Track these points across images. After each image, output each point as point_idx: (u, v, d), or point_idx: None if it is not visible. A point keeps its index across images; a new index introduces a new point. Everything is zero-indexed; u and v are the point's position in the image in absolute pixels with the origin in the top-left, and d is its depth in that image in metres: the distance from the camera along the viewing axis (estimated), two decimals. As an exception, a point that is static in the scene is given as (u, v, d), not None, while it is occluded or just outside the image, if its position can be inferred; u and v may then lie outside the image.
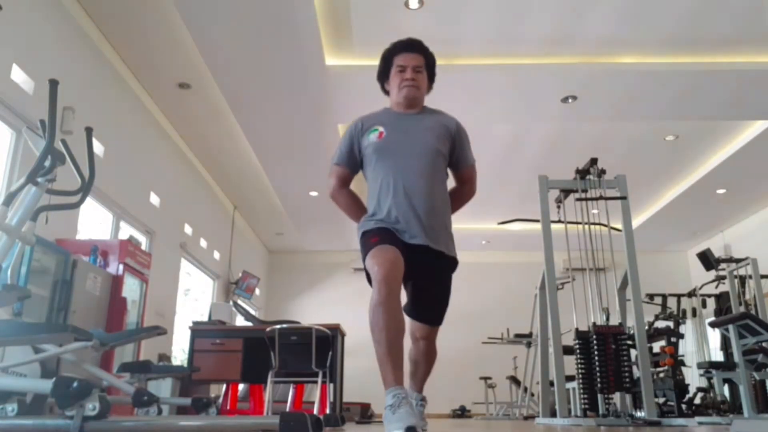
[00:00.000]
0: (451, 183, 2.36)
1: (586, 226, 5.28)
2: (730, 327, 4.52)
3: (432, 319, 2.22)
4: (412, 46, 2.32)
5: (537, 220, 5.23)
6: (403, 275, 1.99)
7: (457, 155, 2.31)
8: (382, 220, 2.12)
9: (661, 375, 5.87)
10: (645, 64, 5.55)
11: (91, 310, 4.51)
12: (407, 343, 2.03)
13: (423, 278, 2.17)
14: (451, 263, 2.22)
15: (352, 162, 2.29)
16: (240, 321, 6.91)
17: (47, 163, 2.48)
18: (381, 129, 2.22)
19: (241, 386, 6.25)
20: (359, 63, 5.56)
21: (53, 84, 2.43)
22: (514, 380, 9.07)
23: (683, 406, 5.80)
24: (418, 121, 2.26)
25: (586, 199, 5.09)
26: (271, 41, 4.97)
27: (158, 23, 5.16)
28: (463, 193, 2.40)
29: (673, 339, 6.20)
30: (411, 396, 2.24)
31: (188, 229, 7.70)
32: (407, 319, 2.10)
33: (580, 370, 4.62)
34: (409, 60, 2.28)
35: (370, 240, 2.07)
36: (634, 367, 4.76)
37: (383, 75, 2.37)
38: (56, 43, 4.68)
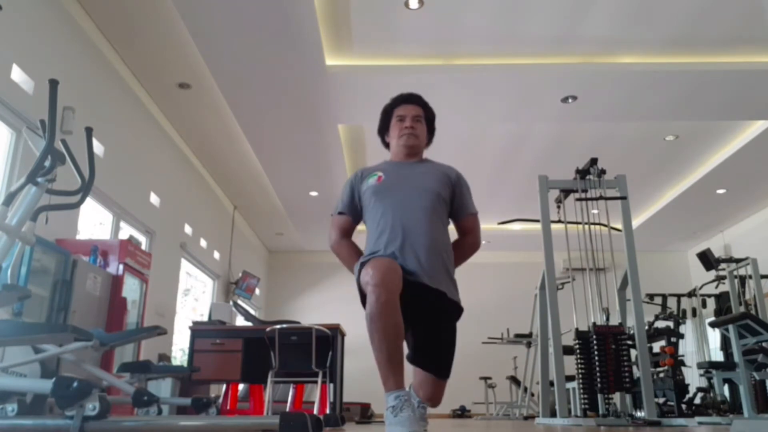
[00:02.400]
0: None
1: (586, 226, 5.28)
2: (730, 327, 4.52)
3: (435, 367, 2.05)
4: (412, 98, 2.35)
5: (537, 220, 5.23)
6: (402, 319, 1.86)
7: (458, 203, 2.27)
8: (380, 255, 2.06)
9: (661, 375, 5.87)
10: (645, 64, 5.55)
11: (91, 310, 4.51)
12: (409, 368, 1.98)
13: (422, 319, 2.05)
14: (454, 307, 2.12)
15: (353, 210, 2.27)
16: (240, 321, 6.91)
17: (47, 163, 2.48)
18: (380, 174, 2.23)
19: (241, 386, 6.25)
20: (359, 63, 5.56)
21: (53, 84, 2.43)
22: (514, 380, 9.07)
23: (683, 406, 5.80)
24: (417, 168, 2.26)
25: (586, 199, 5.10)
26: (271, 41, 4.98)
27: (158, 23, 5.16)
28: (464, 244, 2.31)
29: (673, 339, 6.21)
30: (413, 397, 2.22)
31: (188, 229, 7.70)
32: (409, 367, 1.99)
33: (580, 370, 4.62)
34: (409, 110, 2.31)
35: (366, 263, 1.99)
36: (634, 367, 4.76)
37: (383, 129, 2.39)
38: (56, 43, 4.68)
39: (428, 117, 2.37)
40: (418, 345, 2.08)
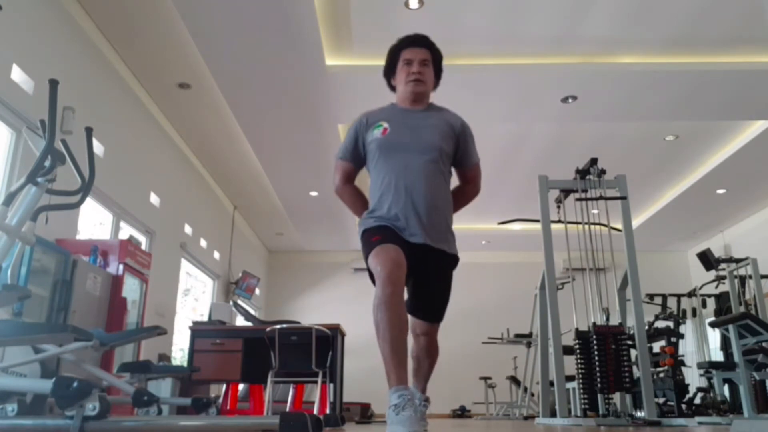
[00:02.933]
0: (454, 181, 2.34)
1: (586, 226, 5.28)
2: (730, 327, 4.52)
3: (432, 316, 2.20)
4: (419, 40, 2.30)
5: (537, 220, 5.23)
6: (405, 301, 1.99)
7: (461, 153, 2.29)
8: (382, 217, 2.12)
9: (661, 375, 5.87)
10: (645, 64, 5.55)
11: (91, 310, 4.51)
12: (410, 340, 2.03)
13: (423, 276, 2.16)
14: (452, 261, 2.21)
15: (357, 157, 2.28)
16: (240, 321, 6.91)
17: (47, 163, 2.48)
18: (385, 125, 2.21)
19: (241, 386, 6.24)
20: (359, 63, 5.56)
21: (53, 84, 2.43)
22: (514, 380, 9.07)
23: (683, 406, 5.80)
24: (422, 119, 2.24)
25: (586, 199, 5.09)
26: (271, 41, 4.98)
27: (158, 23, 5.16)
28: (466, 192, 2.38)
29: (673, 339, 6.20)
30: (415, 396, 2.23)
31: (188, 229, 7.70)
32: (408, 316, 2.10)
33: (580, 370, 4.62)
34: (416, 54, 2.26)
35: (371, 239, 2.06)
36: (634, 367, 4.76)
37: (390, 70, 2.35)
38: (56, 43, 4.68)
39: (435, 59, 2.33)
40: (417, 299, 2.20)
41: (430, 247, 2.10)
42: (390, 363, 1.85)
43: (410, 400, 1.80)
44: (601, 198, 5.03)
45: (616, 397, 4.76)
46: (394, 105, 2.32)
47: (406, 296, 2.08)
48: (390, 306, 1.88)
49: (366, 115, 2.29)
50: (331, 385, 4.75)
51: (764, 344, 4.59)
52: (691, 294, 8.24)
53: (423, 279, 2.17)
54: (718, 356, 8.07)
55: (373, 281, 1.99)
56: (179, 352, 7.78)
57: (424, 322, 2.21)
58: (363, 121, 2.27)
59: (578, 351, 4.65)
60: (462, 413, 10.10)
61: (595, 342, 4.55)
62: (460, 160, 2.30)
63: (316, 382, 4.47)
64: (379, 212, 2.13)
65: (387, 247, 2.00)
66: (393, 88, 2.37)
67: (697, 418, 5.36)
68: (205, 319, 6.31)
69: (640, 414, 5.26)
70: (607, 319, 4.84)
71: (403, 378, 1.85)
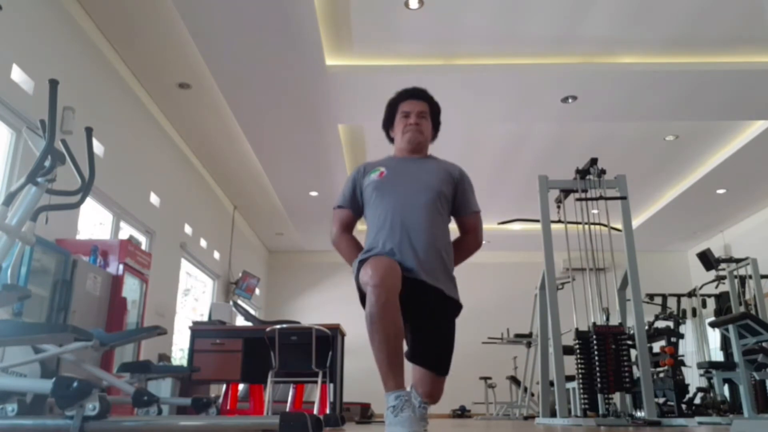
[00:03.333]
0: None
1: (586, 226, 5.28)
2: (730, 327, 4.52)
3: (434, 364, 2.03)
4: (417, 93, 2.32)
5: (537, 220, 5.23)
6: (401, 314, 1.86)
7: (460, 201, 2.25)
8: (378, 253, 2.06)
9: (661, 375, 5.87)
10: (645, 64, 5.55)
11: (91, 310, 4.51)
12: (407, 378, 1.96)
13: (421, 318, 2.04)
14: (452, 306, 2.11)
15: (355, 205, 2.26)
16: (240, 321, 6.91)
17: (47, 163, 2.48)
18: (383, 169, 2.21)
19: (241, 386, 6.24)
20: (359, 63, 5.56)
21: (53, 84, 2.43)
22: (514, 380, 9.08)
23: (683, 406, 5.80)
24: (421, 164, 2.24)
25: (586, 199, 5.10)
26: (271, 41, 4.98)
27: (158, 23, 5.16)
28: (466, 243, 2.28)
29: (673, 339, 6.21)
30: (414, 397, 2.21)
31: (188, 229, 7.70)
32: (407, 365, 1.97)
33: (580, 370, 4.62)
34: (414, 106, 2.28)
35: (365, 262, 1.99)
36: (634, 367, 4.76)
37: (388, 122, 2.37)
38: (56, 43, 4.68)
39: (433, 111, 2.35)
40: (417, 343, 2.07)
41: (427, 284, 2.02)
42: (386, 371, 1.82)
43: (408, 401, 1.80)
44: (601, 198, 5.03)
45: (616, 397, 4.76)
46: (392, 156, 2.33)
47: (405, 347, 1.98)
48: (385, 314, 1.81)
49: (364, 164, 2.31)
50: (331, 385, 4.75)
51: (764, 344, 4.59)
52: (691, 294, 8.25)
53: (421, 321, 2.05)
54: (718, 356, 8.07)
55: (364, 304, 1.90)
56: (179, 352, 7.78)
57: (427, 373, 2.03)
58: (361, 170, 2.28)
59: (578, 351, 4.65)
60: (462, 413, 10.10)
61: (595, 342, 4.55)
62: (459, 207, 2.26)
63: (316, 382, 4.47)
64: (375, 250, 2.06)
65: (379, 257, 1.95)
66: (392, 140, 2.38)
67: (697, 418, 5.36)
68: (205, 319, 6.31)
69: (640, 414, 5.27)
70: (607, 319, 4.84)
71: (400, 383, 1.82)
